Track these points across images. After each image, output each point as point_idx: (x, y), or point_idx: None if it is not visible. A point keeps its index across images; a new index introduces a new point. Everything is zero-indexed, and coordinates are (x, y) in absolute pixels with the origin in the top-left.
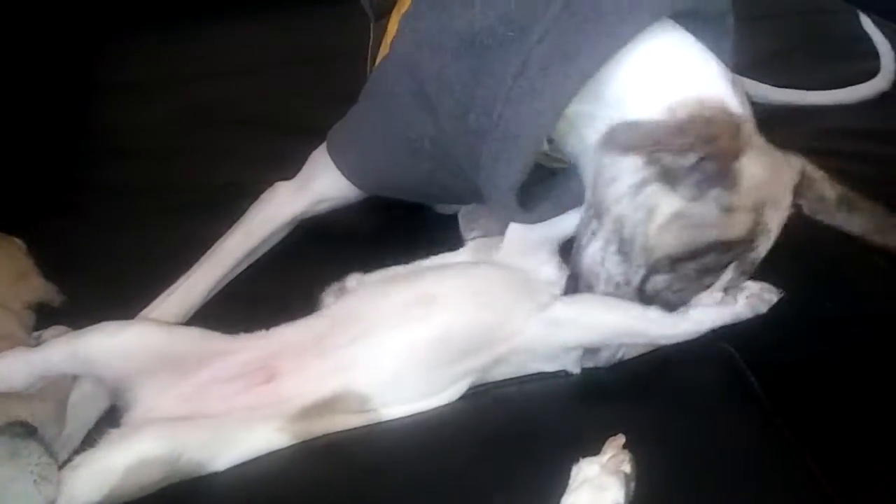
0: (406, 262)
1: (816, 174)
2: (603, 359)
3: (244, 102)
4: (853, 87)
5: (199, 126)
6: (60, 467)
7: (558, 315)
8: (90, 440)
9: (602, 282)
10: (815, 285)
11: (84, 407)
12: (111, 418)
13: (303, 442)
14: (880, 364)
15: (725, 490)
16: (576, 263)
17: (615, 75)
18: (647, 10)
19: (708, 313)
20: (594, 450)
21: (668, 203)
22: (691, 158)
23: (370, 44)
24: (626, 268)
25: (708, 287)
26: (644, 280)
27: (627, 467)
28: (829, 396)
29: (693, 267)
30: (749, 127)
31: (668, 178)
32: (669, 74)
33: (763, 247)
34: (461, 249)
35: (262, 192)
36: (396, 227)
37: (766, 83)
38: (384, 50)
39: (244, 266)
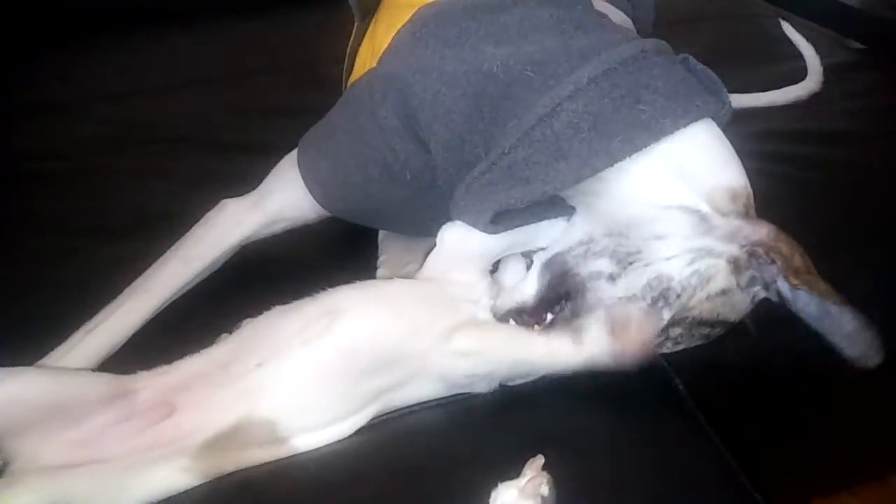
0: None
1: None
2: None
3: (168, 121)
4: (785, 89)
5: (128, 146)
6: None
7: (465, 347)
8: None
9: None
10: None
11: None
12: None
13: (210, 482)
14: (803, 363)
15: (648, 491)
16: (567, 283)
17: (639, 166)
18: (680, 118)
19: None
20: (513, 471)
21: (724, 279)
22: (773, 271)
23: (350, 42)
24: (658, 309)
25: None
26: (667, 327)
27: (545, 489)
28: (753, 396)
29: (703, 332)
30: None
31: (736, 263)
32: (686, 174)
33: None
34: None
35: (184, 214)
36: (337, 251)
37: None
38: (370, 60)
39: (179, 294)
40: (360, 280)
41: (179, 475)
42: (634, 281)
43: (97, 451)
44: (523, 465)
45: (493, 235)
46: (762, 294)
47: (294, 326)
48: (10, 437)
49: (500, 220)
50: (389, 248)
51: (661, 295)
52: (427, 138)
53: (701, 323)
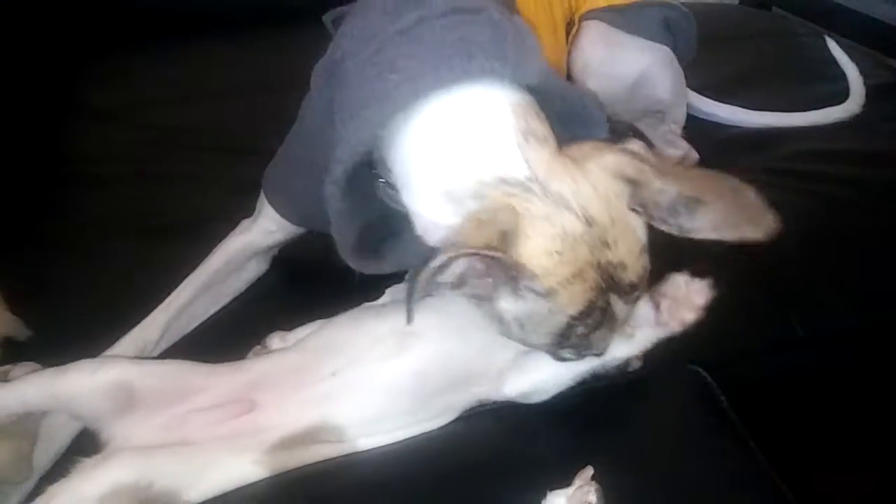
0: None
1: (640, 175)
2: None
3: (218, 127)
4: (827, 110)
5: (173, 152)
6: (32, 497)
7: (520, 391)
8: (62, 469)
9: None
10: (782, 304)
11: (53, 440)
12: (82, 446)
13: (278, 474)
14: (846, 382)
15: None
16: None
17: (395, 145)
18: (428, 80)
19: (648, 333)
20: (564, 479)
21: (503, 311)
22: (451, 276)
23: None
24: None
25: (612, 330)
26: (556, 353)
27: (593, 498)
28: (798, 414)
29: (576, 339)
30: (517, 209)
31: (483, 297)
32: (445, 159)
33: (629, 272)
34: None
35: (232, 217)
36: None
37: (734, 105)
38: None
39: (211, 300)
40: (394, 284)
41: (251, 467)
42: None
43: (181, 436)
44: (572, 475)
45: None
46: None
47: (365, 339)
48: (104, 423)
49: (384, 253)
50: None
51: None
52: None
53: (559, 343)
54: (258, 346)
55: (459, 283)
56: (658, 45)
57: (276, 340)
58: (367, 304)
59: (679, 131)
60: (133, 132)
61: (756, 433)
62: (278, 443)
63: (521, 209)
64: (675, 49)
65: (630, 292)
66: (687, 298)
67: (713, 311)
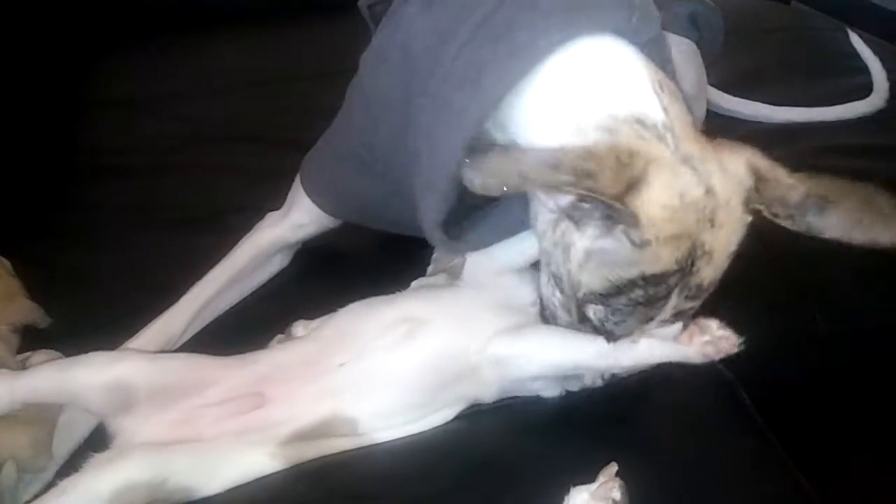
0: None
1: (771, 172)
2: (573, 385)
3: (237, 119)
4: (852, 104)
5: (191, 144)
6: (44, 490)
7: (501, 353)
8: (74, 463)
9: (558, 309)
10: (805, 301)
11: (72, 429)
12: (95, 440)
13: (292, 467)
14: (872, 379)
15: (715, 501)
16: (538, 292)
17: (522, 99)
18: (560, 32)
19: (655, 348)
20: (588, 475)
21: (578, 241)
22: (567, 198)
23: None
24: (565, 300)
25: (652, 318)
26: (580, 310)
27: (617, 494)
28: (822, 412)
29: (624, 302)
30: (653, 146)
31: (571, 215)
32: (576, 96)
33: (708, 269)
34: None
35: (255, 209)
36: (395, 253)
37: (755, 100)
38: None
39: (235, 293)
40: (413, 277)
41: (266, 460)
42: (545, 268)
43: (192, 431)
44: (595, 472)
45: (512, 245)
46: (635, 232)
47: (373, 329)
48: (115, 417)
49: (463, 235)
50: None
51: (554, 279)
52: (379, 126)
53: (608, 295)
54: (282, 335)
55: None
56: (681, 39)
57: (300, 328)
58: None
59: (698, 126)
60: (155, 124)
61: (779, 431)
62: (291, 436)
63: (651, 155)
64: (699, 43)
65: (692, 296)
66: (715, 338)
67: (735, 309)
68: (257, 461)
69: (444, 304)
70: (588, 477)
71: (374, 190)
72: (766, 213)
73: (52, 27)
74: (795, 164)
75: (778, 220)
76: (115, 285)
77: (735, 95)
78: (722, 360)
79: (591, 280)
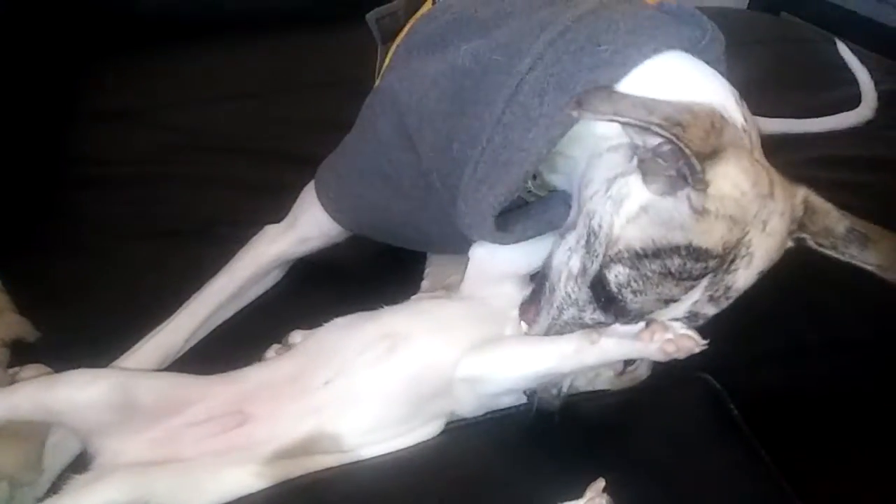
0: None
1: (823, 206)
2: (547, 396)
3: (231, 130)
4: (842, 115)
5: (185, 155)
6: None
7: (470, 373)
8: (55, 486)
9: (563, 279)
10: (793, 311)
11: (63, 444)
12: (77, 463)
13: (278, 485)
14: (859, 390)
15: None
16: (545, 265)
17: None
18: (644, 46)
19: (617, 344)
20: (575, 490)
21: (637, 194)
22: (654, 140)
23: (377, 66)
24: (587, 259)
25: (670, 300)
26: (601, 270)
27: None
28: (809, 423)
29: (656, 268)
30: (739, 134)
31: (641, 167)
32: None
33: (742, 273)
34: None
35: (249, 221)
36: (390, 267)
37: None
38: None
39: (233, 307)
40: (406, 291)
41: (250, 479)
42: (577, 233)
43: (174, 451)
44: (582, 486)
45: (519, 250)
46: (698, 197)
47: (355, 345)
48: (96, 436)
49: (508, 227)
50: (436, 261)
51: (589, 235)
52: (417, 144)
53: (644, 256)
54: (278, 345)
55: (643, 149)
56: None
57: (297, 338)
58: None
59: None
60: (145, 135)
61: (767, 442)
62: (274, 454)
63: (736, 137)
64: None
65: (716, 298)
66: (677, 336)
67: (722, 319)
68: (241, 480)
69: (428, 317)
70: (576, 492)
71: (397, 205)
72: (811, 243)
73: (45, 37)
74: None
75: (822, 250)
76: (105, 298)
77: None
78: (709, 371)
79: (635, 235)
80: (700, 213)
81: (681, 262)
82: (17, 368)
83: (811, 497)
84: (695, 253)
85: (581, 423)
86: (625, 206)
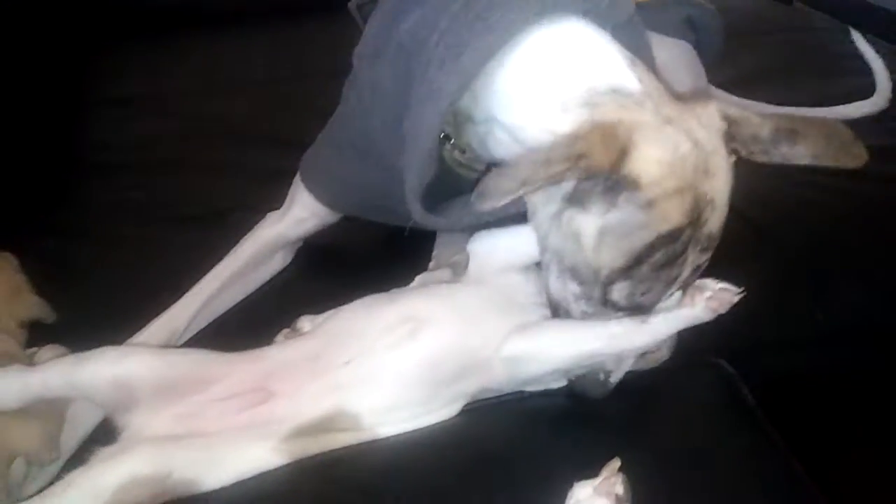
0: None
1: (741, 115)
2: (594, 381)
3: (237, 117)
4: (854, 105)
5: (194, 141)
6: (51, 483)
7: (514, 352)
8: (80, 457)
9: (572, 304)
10: (806, 296)
11: (79, 423)
12: (102, 435)
13: (297, 461)
14: (871, 374)
15: (717, 495)
16: (548, 294)
17: (499, 74)
18: (529, 10)
19: (666, 320)
20: (591, 470)
21: (587, 224)
22: (569, 184)
23: None
24: (584, 288)
25: (676, 278)
26: (604, 294)
27: (620, 489)
28: (822, 406)
29: (647, 269)
30: (637, 107)
31: (574, 200)
32: (552, 73)
33: (715, 218)
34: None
35: (255, 208)
36: (397, 250)
37: (757, 100)
38: None
39: (239, 290)
40: (413, 274)
41: (270, 455)
42: (554, 267)
43: (198, 426)
44: (597, 467)
45: (517, 240)
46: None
47: (376, 327)
48: (123, 412)
49: (446, 212)
50: (444, 241)
51: (571, 272)
52: (374, 119)
53: (630, 266)
54: (287, 330)
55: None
56: (675, 41)
57: (305, 323)
58: (395, 290)
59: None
60: (155, 122)
61: (780, 426)
62: (294, 431)
63: (634, 120)
64: (697, 46)
65: (706, 246)
66: (715, 293)
67: (738, 305)
68: (260, 456)
69: (447, 302)
70: (591, 472)
71: (371, 177)
72: (743, 153)
73: (53, 25)
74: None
75: (755, 158)
76: (118, 281)
77: (738, 96)
78: (724, 356)
79: (611, 257)
80: (648, 205)
81: (663, 252)
82: (34, 349)
83: (825, 481)
84: (668, 237)
85: (596, 406)
86: (583, 240)
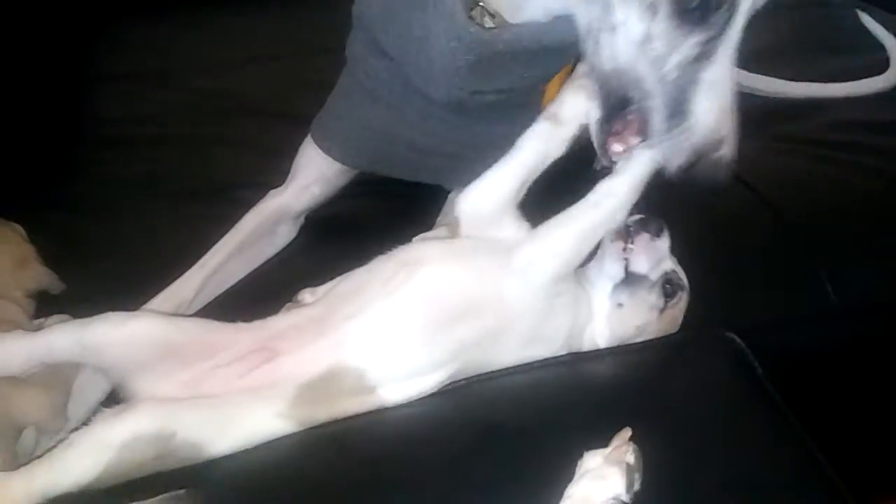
0: None
1: None
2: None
3: (244, 92)
4: (868, 80)
5: (199, 116)
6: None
7: (526, 259)
8: (87, 421)
9: (633, 55)
10: (818, 273)
11: (86, 393)
12: (115, 399)
13: (303, 431)
14: (882, 351)
15: (731, 477)
16: (612, 85)
17: None
18: None
19: (635, 160)
20: (601, 441)
21: None
22: None
23: None
24: (649, 7)
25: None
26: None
27: (631, 458)
28: (833, 381)
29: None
30: None
31: None
32: None
33: None
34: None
35: (260, 183)
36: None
37: (772, 76)
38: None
39: (244, 263)
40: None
41: (276, 421)
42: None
43: (204, 390)
44: (607, 438)
45: (500, 181)
46: None
47: (377, 280)
48: (129, 377)
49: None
50: (448, 210)
51: None
52: (386, 46)
53: None
54: (290, 303)
55: None
56: None
57: (307, 296)
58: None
59: None
60: (161, 97)
61: (790, 400)
62: (299, 390)
63: None
64: None
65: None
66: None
67: (748, 280)
68: (266, 422)
69: (443, 246)
70: (601, 443)
71: (380, 119)
72: None
73: (57, 3)
74: (807, 139)
75: None
76: (124, 253)
77: (752, 72)
78: (734, 330)
79: None
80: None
81: None
82: (42, 319)
83: (836, 456)
84: None
85: (607, 378)
86: None
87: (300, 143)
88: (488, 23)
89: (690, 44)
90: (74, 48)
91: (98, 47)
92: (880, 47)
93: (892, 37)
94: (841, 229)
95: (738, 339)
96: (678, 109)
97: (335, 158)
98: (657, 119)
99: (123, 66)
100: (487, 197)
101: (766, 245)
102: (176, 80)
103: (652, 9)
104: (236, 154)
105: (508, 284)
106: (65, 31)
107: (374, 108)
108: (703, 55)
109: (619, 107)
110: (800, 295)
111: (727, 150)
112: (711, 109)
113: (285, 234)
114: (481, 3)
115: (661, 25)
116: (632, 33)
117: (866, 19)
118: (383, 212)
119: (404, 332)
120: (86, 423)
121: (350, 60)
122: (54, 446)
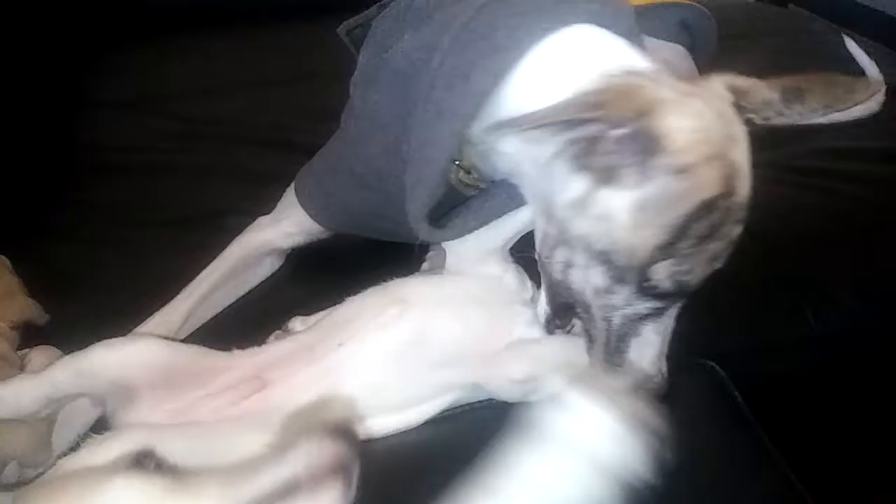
0: None
1: (746, 83)
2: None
3: (235, 120)
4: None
5: (190, 143)
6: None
7: (520, 376)
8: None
9: (594, 300)
10: (798, 301)
11: (69, 424)
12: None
13: None
14: (862, 379)
15: (705, 492)
16: (562, 296)
17: (511, 90)
18: (537, 25)
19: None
20: None
21: (620, 201)
22: (591, 130)
23: None
24: (615, 275)
25: (717, 255)
26: (642, 278)
27: None
28: (811, 409)
29: (690, 242)
30: (653, 87)
31: (603, 178)
32: (563, 74)
33: (743, 187)
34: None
35: (251, 211)
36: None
37: None
38: None
39: (230, 292)
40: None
41: (265, 450)
42: (581, 259)
43: (193, 419)
44: None
45: (485, 230)
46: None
47: (369, 312)
48: (122, 405)
49: (448, 223)
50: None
51: (600, 257)
52: (371, 147)
53: (671, 242)
54: (279, 331)
55: (585, 151)
56: (669, 45)
57: (297, 324)
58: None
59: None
60: (153, 124)
61: (769, 428)
62: (290, 420)
63: (654, 90)
64: (692, 48)
65: (739, 218)
66: None
67: (728, 307)
68: (254, 450)
69: (434, 291)
70: None
71: (366, 200)
72: (758, 120)
73: (52, 26)
74: (788, 166)
75: (772, 122)
76: (111, 283)
77: None
78: (714, 358)
79: (651, 233)
80: (683, 172)
81: (705, 224)
82: (26, 350)
83: (815, 484)
84: (707, 206)
85: None
86: (618, 218)
87: (291, 172)
88: (464, 178)
89: (645, 306)
90: (65, 74)
91: (89, 74)
92: (862, 73)
93: (873, 63)
94: (822, 256)
95: (718, 368)
96: (616, 347)
97: (320, 224)
98: (596, 345)
99: (114, 92)
100: (472, 239)
101: (747, 272)
102: (166, 106)
103: (618, 278)
104: (227, 182)
105: (491, 378)
106: (57, 57)
107: (362, 190)
108: (654, 314)
109: (564, 308)
110: (780, 322)
111: (657, 382)
112: (648, 356)
113: (270, 265)
114: (457, 162)
115: (625, 291)
116: (592, 280)
117: (850, 44)
118: (371, 241)
119: (393, 365)
120: (73, 449)
121: (343, 135)
122: (39, 475)
